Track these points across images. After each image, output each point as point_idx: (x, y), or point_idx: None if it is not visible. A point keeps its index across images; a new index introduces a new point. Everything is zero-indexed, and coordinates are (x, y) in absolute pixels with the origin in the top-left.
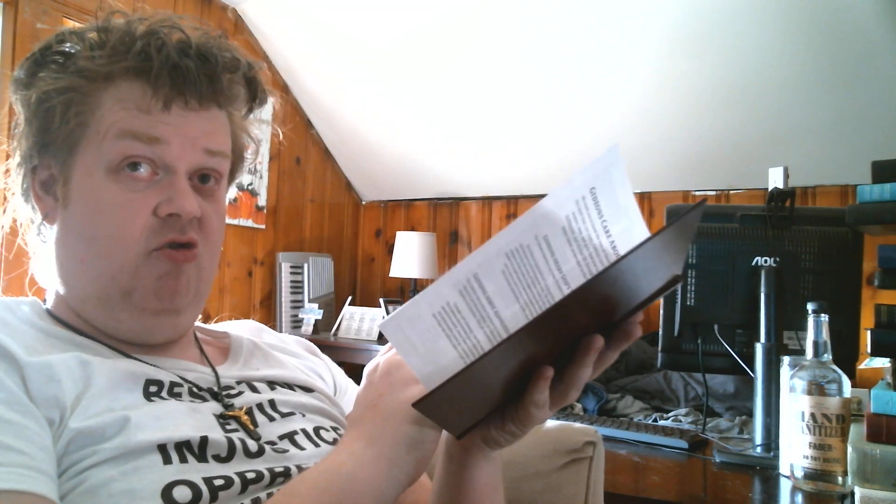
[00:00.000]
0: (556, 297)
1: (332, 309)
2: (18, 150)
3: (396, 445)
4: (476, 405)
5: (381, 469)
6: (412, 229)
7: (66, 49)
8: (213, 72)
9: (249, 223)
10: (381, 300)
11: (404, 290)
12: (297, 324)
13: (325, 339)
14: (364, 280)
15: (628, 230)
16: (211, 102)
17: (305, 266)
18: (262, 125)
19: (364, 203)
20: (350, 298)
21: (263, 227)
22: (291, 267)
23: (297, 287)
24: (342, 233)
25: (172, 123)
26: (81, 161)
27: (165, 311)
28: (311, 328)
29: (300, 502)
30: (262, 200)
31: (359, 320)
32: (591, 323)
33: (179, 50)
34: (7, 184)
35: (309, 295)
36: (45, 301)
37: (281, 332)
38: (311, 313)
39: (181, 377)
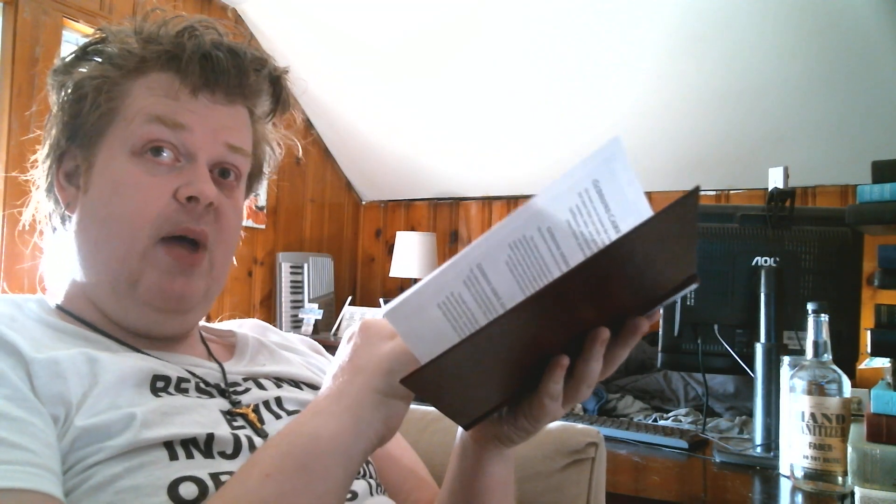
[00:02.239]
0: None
1: (332, 309)
2: (48, 141)
3: (363, 399)
4: (479, 393)
5: (345, 424)
6: (412, 229)
7: (106, 45)
8: (241, 65)
9: (249, 223)
10: (381, 300)
11: (404, 290)
12: (297, 324)
13: (326, 339)
14: (364, 280)
15: None
16: (237, 96)
17: (305, 266)
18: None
19: (364, 203)
20: (350, 298)
21: (263, 227)
22: (291, 267)
23: (297, 287)
24: (342, 233)
25: (198, 112)
26: (107, 146)
27: (172, 312)
28: (311, 328)
29: (262, 469)
30: (261, 200)
31: (359, 320)
32: (599, 318)
33: (212, 43)
34: (32, 176)
35: (309, 295)
36: (47, 295)
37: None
38: (311, 313)
39: (189, 371)
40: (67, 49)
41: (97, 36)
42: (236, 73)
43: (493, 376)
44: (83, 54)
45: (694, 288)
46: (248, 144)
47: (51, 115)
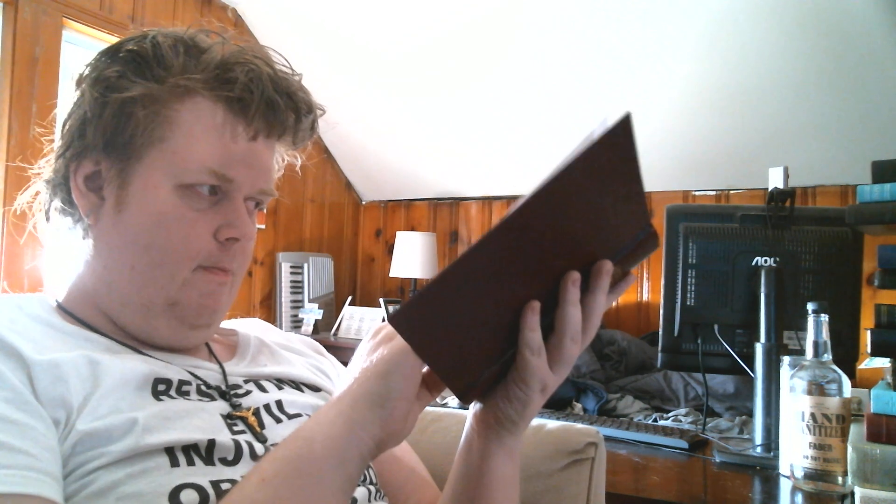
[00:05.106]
0: None
1: (332, 309)
2: (66, 140)
3: (357, 402)
4: (467, 348)
5: (339, 429)
6: (412, 229)
7: (155, 55)
8: (298, 111)
9: None
10: (381, 300)
11: (404, 290)
12: (297, 324)
13: (326, 339)
14: (364, 280)
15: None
16: (287, 138)
17: (305, 266)
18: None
19: (364, 203)
20: (350, 298)
21: (263, 227)
22: (291, 267)
23: (297, 287)
24: (342, 233)
25: (246, 159)
26: (147, 170)
27: (202, 326)
28: (311, 328)
29: (259, 474)
30: None
31: (359, 320)
32: (569, 268)
33: (272, 85)
34: (40, 166)
35: (309, 295)
36: (48, 293)
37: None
38: (311, 313)
39: (190, 373)
40: (67, 49)
41: (144, 47)
42: (294, 120)
43: (477, 327)
44: (132, 61)
45: (654, 250)
46: (274, 183)
47: (73, 114)
